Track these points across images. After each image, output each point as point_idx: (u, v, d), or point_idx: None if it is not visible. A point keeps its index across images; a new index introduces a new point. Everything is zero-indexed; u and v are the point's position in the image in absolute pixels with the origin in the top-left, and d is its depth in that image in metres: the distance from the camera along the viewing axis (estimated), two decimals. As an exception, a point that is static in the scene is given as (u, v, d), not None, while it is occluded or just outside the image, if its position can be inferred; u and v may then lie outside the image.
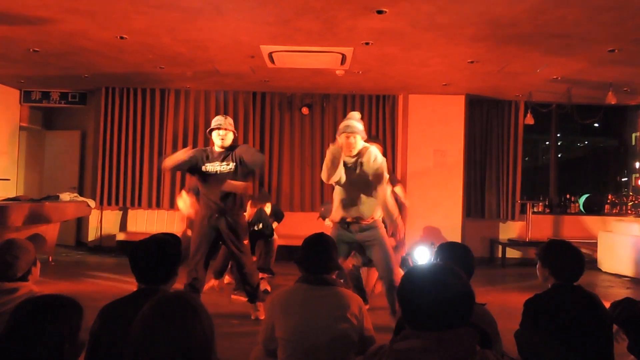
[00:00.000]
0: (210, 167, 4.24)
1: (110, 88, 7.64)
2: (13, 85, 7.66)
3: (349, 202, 4.04)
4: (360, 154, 4.02)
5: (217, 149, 4.29)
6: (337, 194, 4.13)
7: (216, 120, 4.31)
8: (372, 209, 4.07)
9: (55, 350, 1.57)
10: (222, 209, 4.24)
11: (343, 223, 4.08)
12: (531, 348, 2.33)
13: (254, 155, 4.30)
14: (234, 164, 4.23)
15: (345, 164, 3.99)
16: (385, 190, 4.03)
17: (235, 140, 4.39)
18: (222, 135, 4.25)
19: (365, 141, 4.26)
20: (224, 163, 4.23)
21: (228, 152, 4.28)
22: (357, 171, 4.00)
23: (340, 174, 3.95)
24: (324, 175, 3.97)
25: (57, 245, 6.69)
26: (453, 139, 7.59)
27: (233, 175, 4.23)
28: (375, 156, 4.02)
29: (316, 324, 2.27)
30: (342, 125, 4.04)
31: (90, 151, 8.07)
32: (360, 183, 4.01)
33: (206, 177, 4.26)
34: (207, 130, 4.38)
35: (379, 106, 7.73)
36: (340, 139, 3.98)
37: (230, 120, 4.36)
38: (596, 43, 4.83)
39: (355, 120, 4.03)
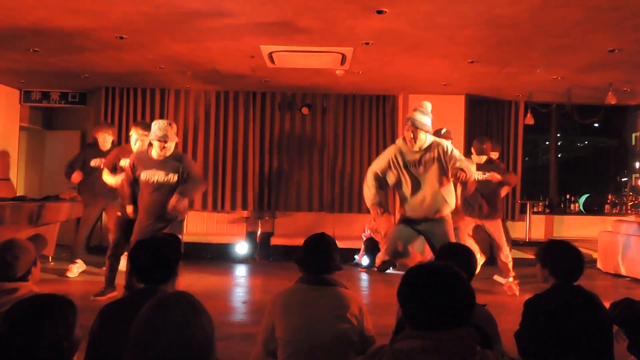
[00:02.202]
0: (149, 174, 4.35)
1: (110, 88, 7.64)
2: (13, 85, 7.65)
3: (414, 200, 4.04)
4: (428, 149, 4.03)
5: (154, 155, 4.33)
6: (400, 191, 4.10)
7: (160, 129, 4.30)
8: (440, 205, 4.05)
9: (55, 349, 1.58)
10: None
11: (408, 220, 4.11)
12: (531, 348, 2.34)
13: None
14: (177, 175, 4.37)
15: (405, 162, 4.03)
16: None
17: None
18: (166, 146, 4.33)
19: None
20: (163, 172, 4.31)
21: (169, 160, 4.36)
22: (423, 167, 4.00)
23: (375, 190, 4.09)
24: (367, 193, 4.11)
25: (57, 245, 6.68)
26: (453, 139, 7.57)
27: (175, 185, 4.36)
28: (449, 149, 4.06)
29: (316, 324, 2.27)
30: (408, 116, 4.12)
31: (90, 151, 8.06)
32: (427, 179, 4.01)
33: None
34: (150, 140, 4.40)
35: (379, 106, 7.73)
36: (405, 130, 4.07)
37: (174, 128, 4.40)
38: (596, 43, 4.82)
39: (420, 113, 4.04)
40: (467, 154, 7.71)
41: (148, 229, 4.30)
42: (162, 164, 4.32)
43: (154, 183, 4.30)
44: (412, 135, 3.96)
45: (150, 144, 4.37)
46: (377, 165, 4.25)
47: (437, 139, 4.16)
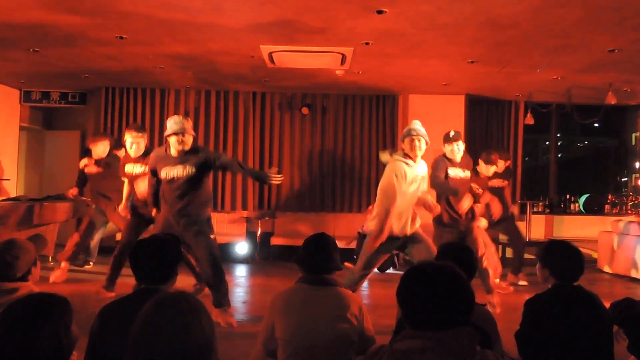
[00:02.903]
0: (167, 172, 4.19)
1: (110, 88, 7.64)
2: (13, 85, 7.65)
3: (405, 215, 4.02)
4: (421, 165, 4.08)
5: (173, 152, 4.17)
6: (391, 205, 3.95)
7: (176, 123, 4.12)
8: (416, 222, 4.11)
9: (56, 347, 1.59)
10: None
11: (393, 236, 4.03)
12: (531, 348, 2.34)
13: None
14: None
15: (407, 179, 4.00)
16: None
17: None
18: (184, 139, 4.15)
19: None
20: (181, 167, 4.13)
21: (189, 154, 4.17)
22: (414, 183, 4.01)
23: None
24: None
25: (57, 245, 6.68)
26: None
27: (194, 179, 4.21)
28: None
29: (316, 324, 2.27)
30: (405, 130, 4.13)
31: (90, 151, 8.06)
32: (412, 195, 4.03)
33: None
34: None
35: (379, 106, 7.73)
36: (404, 144, 4.05)
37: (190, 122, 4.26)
38: (596, 43, 4.82)
39: (417, 125, 4.10)
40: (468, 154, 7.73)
41: (173, 225, 4.15)
42: (180, 159, 4.13)
43: (174, 179, 4.13)
44: (417, 144, 3.99)
45: (167, 142, 4.19)
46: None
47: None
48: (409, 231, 4.05)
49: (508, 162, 6.07)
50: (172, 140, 4.10)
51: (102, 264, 6.72)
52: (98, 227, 6.14)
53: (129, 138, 5.00)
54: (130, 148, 5.00)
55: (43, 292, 1.76)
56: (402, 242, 4.11)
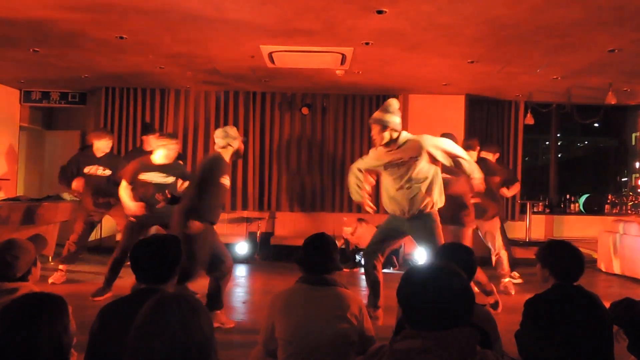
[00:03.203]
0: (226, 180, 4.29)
1: (110, 88, 7.64)
2: (13, 85, 7.66)
3: (394, 197, 4.05)
4: (405, 146, 4.04)
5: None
6: (385, 188, 4.16)
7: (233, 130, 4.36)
8: (420, 202, 3.98)
9: (56, 345, 1.59)
10: None
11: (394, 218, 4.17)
12: (531, 348, 2.34)
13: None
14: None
15: (385, 162, 4.07)
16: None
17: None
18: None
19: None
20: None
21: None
22: (400, 165, 4.00)
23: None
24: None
25: (57, 245, 6.68)
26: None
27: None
28: (435, 142, 4.07)
29: (316, 324, 2.27)
30: (372, 117, 4.20)
31: (90, 151, 8.05)
32: (406, 176, 3.98)
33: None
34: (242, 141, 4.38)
35: (379, 106, 7.69)
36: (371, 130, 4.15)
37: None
38: (596, 43, 4.82)
39: (383, 113, 4.08)
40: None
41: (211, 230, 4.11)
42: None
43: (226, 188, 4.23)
44: (377, 134, 4.02)
45: (225, 148, 4.24)
46: (361, 163, 4.38)
47: (418, 136, 4.09)
48: (410, 213, 3.99)
49: (497, 155, 6.02)
50: (236, 148, 4.30)
51: (101, 264, 6.73)
52: (96, 225, 5.97)
53: (173, 146, 4.90)
54: (165, 154, 4.84)
55: (39, 292, 1.77)
56: (409, 226, 4.09)
